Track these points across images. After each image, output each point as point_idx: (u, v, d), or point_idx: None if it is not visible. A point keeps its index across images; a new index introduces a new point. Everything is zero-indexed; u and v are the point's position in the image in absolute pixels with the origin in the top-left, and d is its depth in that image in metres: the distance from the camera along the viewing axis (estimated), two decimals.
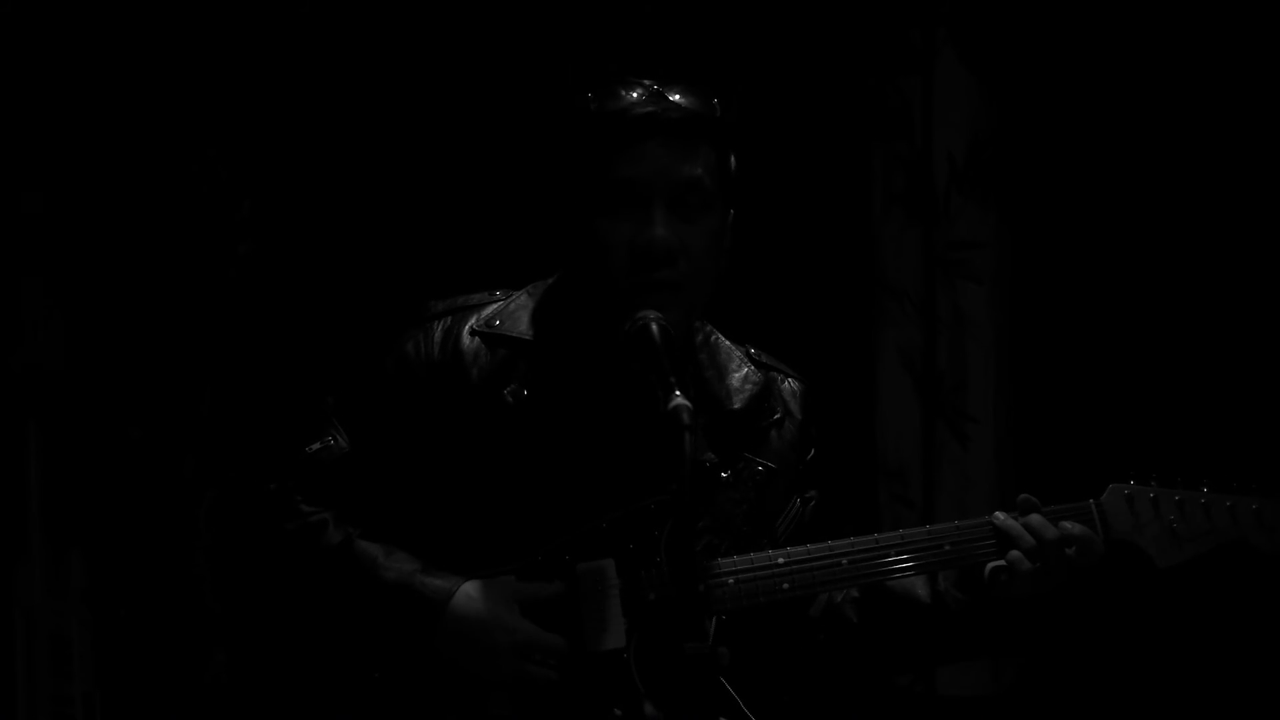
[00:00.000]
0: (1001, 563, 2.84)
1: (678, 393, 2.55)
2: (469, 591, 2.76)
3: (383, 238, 4.50)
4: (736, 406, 2.92)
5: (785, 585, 2.80)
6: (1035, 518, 2.84)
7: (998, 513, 2.86)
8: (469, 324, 2.89)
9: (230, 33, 4.40)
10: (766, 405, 2.95)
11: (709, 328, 2.99)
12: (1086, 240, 4.77)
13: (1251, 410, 4.58)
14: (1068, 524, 2.83)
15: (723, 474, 2.86)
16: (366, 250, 4.49)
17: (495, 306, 2.92)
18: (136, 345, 4.40)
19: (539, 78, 4.54)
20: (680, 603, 2.57)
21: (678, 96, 2.79)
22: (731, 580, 2.79)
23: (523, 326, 2.89)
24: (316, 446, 2.85)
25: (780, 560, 2.81)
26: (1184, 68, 4.65)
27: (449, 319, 2.90)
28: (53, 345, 4.39)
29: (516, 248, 4.39)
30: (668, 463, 2.56)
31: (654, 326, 2.71)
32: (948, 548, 2.84)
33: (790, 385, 3.01)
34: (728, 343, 2.99)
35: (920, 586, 2.90)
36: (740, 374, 2.95)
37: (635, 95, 2.78)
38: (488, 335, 2.88)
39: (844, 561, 2.82)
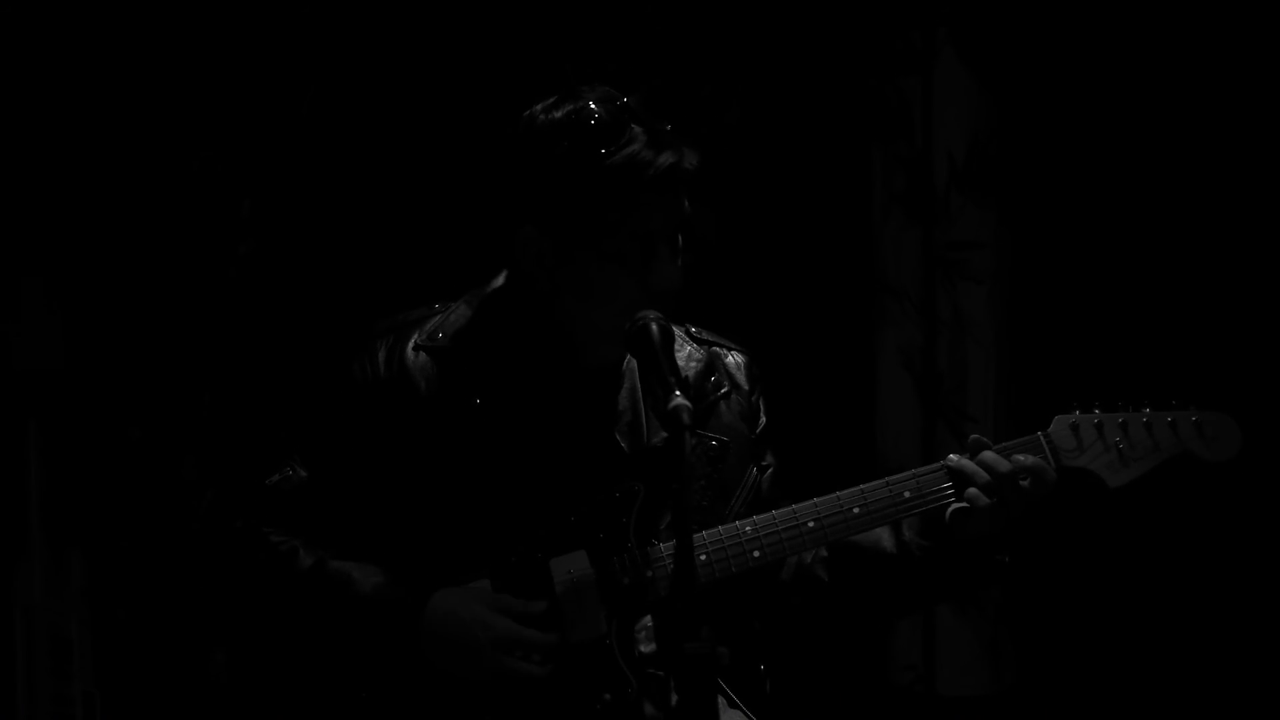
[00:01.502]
0: (962, 504, 2.88)
1: (677, 393, 2.58)
2: (445, 594, 2.78)
3: (383, 237, 4.50)
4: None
5: (756, 553, 2.84)
6: (988, 454, 2.88)
7: (951, 455, 2.91)
8: (412, 340, 2.91)
9: (230, 33, 4.40)
10: (712, 381, 2.98)
11: None
12: (1086, 240, 4.77)
13: (1252, 406, 4.58)
14: (1019, 456, 2.88)
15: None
16: (367, 250, 4.49)
17: (436, 319, 2.94)
18: (136, 345, 4.41)
19: (537, 78, 4.53)
20: (680, 602, 2.58)
21: (674, 131, 2.82)
22: (704, 556, 2.81)
23: (466, 335, 2.91)
24: (276, 478, 2.88)
25: (748, 529, 2.85)
26: (1184, 68, 4.65)
27: (391, 337, 2.92)
28: (53, 345, 4.39)
29: (503, 263, 4.40)
30: (633, 455, 2.73)
31: (654, 326, 2.74)
32: (908, 495, 2.89)
33: (734, 359, 3.05)
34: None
35: (886, 538, 2.95)
36: (683, 353, 2.98)
37: (651, 136, 2.79)
38: (432, 349, 2.90)
39: (810, 523, 2.86)
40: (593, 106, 2.80)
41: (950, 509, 2.90)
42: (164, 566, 4.38)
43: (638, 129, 2.79)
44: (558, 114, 2.81)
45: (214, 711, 4.37)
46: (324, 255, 4.48)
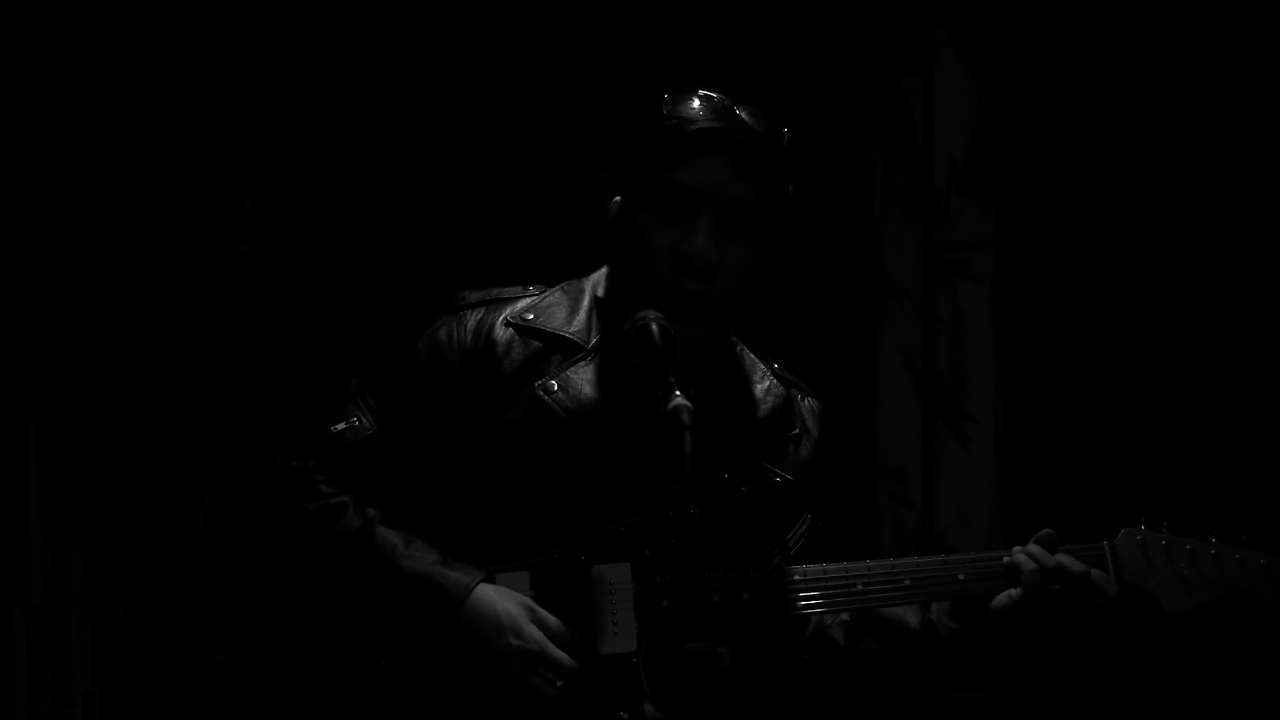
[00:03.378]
0: (1013, 597, 2.82)
1: (677, 393, 2.55)
2: (487, 590, 2.74)
3: (382, 238, 4.50)
4: (759, 415, 2.93)
5: (801, 603, 2.81)
6: (1041, 553, 2.81)
7: (1015, 548, 2.84)
8: (503, 315, 2.89)
9: (230, 33, 4.40)
10: (786, 419, 2.96)
11: (734, 338, 3.00)
12: (1086, 240, 4.77)
13: (1248, 411, 4.58)
14: (1083, 566, 2.81)
15: (742, 488, 2.86)
16: (366, 250, 4.49)
17: (529, 300, 2.92)
18: (136, 345, 4.40)
19: (537, 78, 4.54)
20: (679, 602, 2.57)
21: (748, 117, 2.83)
22: (746, 595, 2.79)
23: (557, 322, 2.89)
24: (341, 426, 2.84)
25: (796, 577, 2.81)
26: (1184, 68, 4.65)
27: (482, 310, 2.90)
28: (53, 345, 4.39)
29: (516, 247, 4.40)
30: (673, 463, 2.55)
31: (654, 326, 2.71)
32: (962, 577, 2.83)
33: (810, 404, 3.02)
34: (752, 355, 3.00)
35: (911, 614, 2.89)
36: (763, 385, 2.96)
37: (707, 107, 2.82)
38: (522, 327, 2.88)
39: (859, 585, 2.82)
40: (688, 91, 2.84)
41: (997, 597, 2.83)
42: (164, 566, 4.38)
43: (712, 104, 2.82)
44: (656, 103, 2.86)
45: (214, 711, 4.37)
46: (324, 255, 4.48)
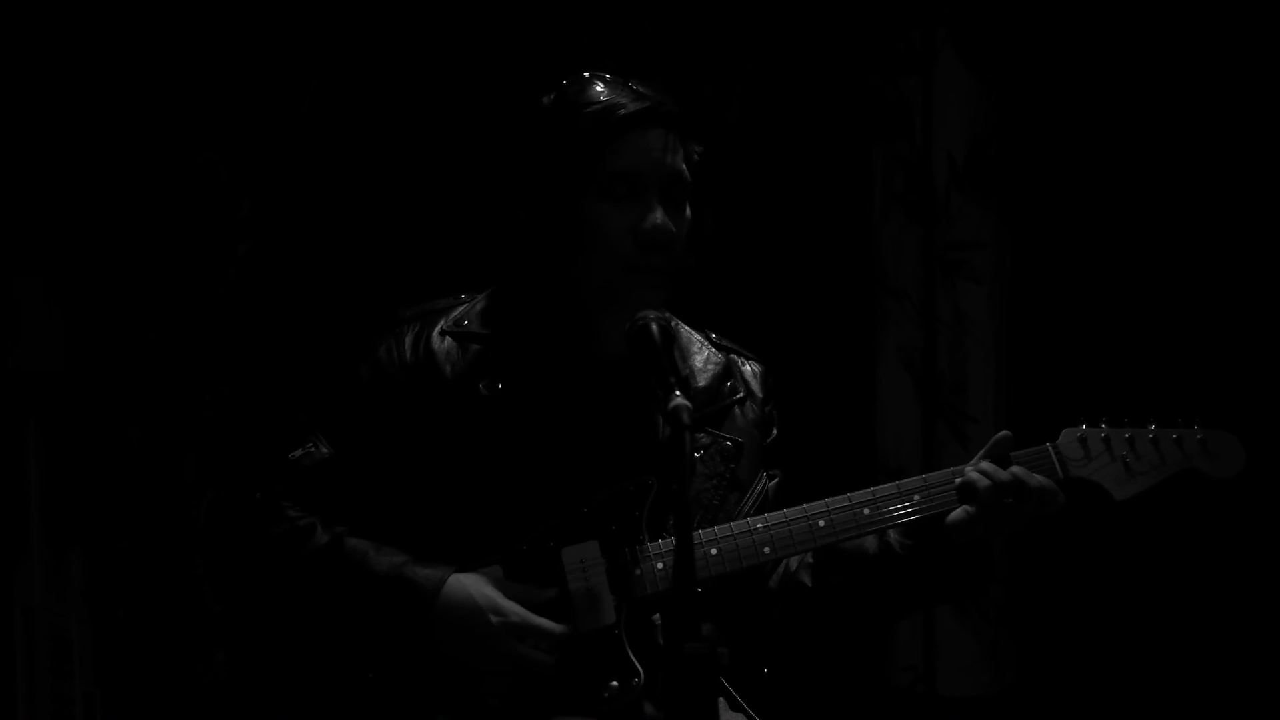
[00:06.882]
0: (966, 511, 2.91)
1: (678, 393, 2.60)
2: (460, 578, 2.82)
3: (383, 237, 4.50)
4: (700, 384, 3.01)
5: (766, 549, 2.89)
6: (1000, 472, 2.90)
7: (967, 466, 2.93)
8: (438, 326, 2.98)
9: (230, 33, 4.40)
10: (728, 385, 3.04)
11: (668, 314, 3.03)
12: (1086, 240, 4.77)
13: (1248, 409, 4.58)
14: (1031, 475, 2.91)
15: (696, 454, 2.94)
16: (366, 250, 4.49)
17: (463, 308, 3.02)
18: (136, 345, 4.41)
19: (539, 78, 4.53)
20: (678, 603, 2.59)
21: (660, 92, 2.91)
22: (715, 550, 2.86)
23: (493, 323, 2.98)
24: (298, 453, 2.93)
25: (759, 525, 2.89)
26: (1184, 68, 4.65)
27: (418, 324, 3.00)
28: (53, 345, 4.39)
29: (515, 247, 4.39)
30: (647, 449, 2.77)
31: (654, 326, 2.78)
32: (918, 499, 2.92)
33: (751, 367, 3.11)
34: (688, 329, 3.09)
35: (869, 541, 2.98)
36: (702, 356, 3.05)
37: (626, 91, 2.90)
38: (458, 334, 2.97)
39: (820, 522, 2.90)
40: (584, 75, 2.92)
41: (951, 514, 2.92)
42: (164, 566, 4.38)
43: (619, 88, 2.90)
44: (554, 92, 2.94)
45: (214, 711, 4.37)
46: (324, 255, 4.48)
